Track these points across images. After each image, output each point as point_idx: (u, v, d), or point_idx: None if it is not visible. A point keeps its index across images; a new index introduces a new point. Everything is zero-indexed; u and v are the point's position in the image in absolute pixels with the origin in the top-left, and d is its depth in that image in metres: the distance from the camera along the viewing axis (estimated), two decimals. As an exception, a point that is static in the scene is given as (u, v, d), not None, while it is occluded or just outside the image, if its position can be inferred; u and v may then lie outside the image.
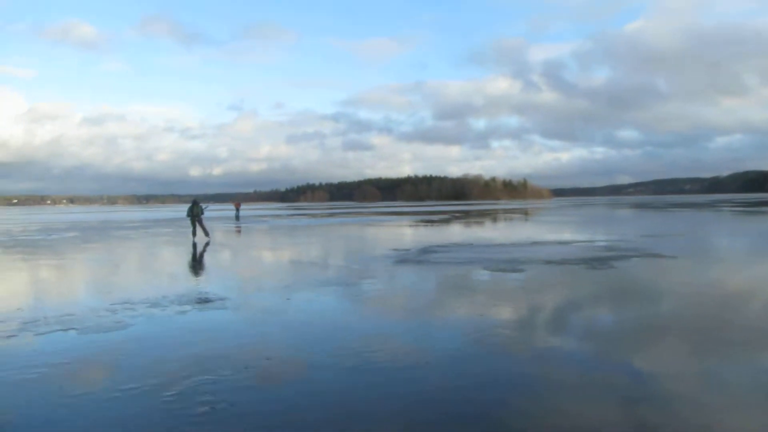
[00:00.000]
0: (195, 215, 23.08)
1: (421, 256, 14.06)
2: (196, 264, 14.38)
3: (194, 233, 22.96)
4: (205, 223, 23.82)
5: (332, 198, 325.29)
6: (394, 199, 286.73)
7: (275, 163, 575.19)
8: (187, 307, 8.03)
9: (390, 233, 25.06)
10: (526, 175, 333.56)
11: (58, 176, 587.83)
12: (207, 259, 15.57)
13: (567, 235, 21.69)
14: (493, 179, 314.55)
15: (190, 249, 18.10)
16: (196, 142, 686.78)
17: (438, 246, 16.96)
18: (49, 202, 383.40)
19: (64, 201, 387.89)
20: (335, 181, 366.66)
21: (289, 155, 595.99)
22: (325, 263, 13.83)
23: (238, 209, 55.02)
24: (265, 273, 12.62)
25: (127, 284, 10.99)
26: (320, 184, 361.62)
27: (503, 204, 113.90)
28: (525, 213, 52.38)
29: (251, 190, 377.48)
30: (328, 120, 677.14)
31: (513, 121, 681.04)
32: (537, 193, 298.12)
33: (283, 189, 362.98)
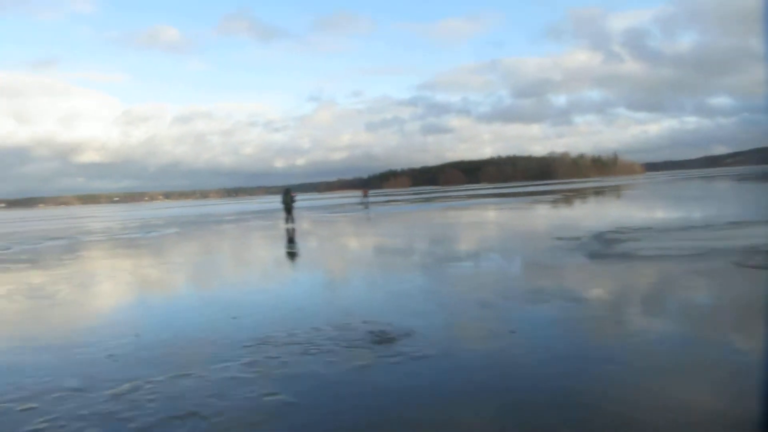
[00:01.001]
0: (286, 203, 24.20)
1: (610, 247, 11.40)
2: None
3: (286, 220, 23.79)
4: (294, 212, 24.68)
5: (414, 183, 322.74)
6: (477, 181, 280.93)
7: (356, 151, 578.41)
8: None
9: (527, 217, 22.50)
10: (612, 151, 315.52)
11: (153, 174, 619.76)
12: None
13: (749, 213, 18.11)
14: (581, 156, 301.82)
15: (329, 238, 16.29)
16: (279, 135, 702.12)
17: (608, 231, 14.19)
18: (146, 198, 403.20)
19: (160, 197, 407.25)
20: (417, 165, 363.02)
21: (370, 142, 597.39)
22: (508, 260, 11.52)
23: (366, 196, 52.91)
24: (471, 277, 9.97)
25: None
26: (402, 170, 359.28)
27: (600, 181, 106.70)
28: (639, 189, 47.84)
29: (334, 179, 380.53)
30: (406, 105, 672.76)
31: (595, 94, 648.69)
32: (628, 169, 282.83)
33: (365, 176, 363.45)
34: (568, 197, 38.14)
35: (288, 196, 24.53)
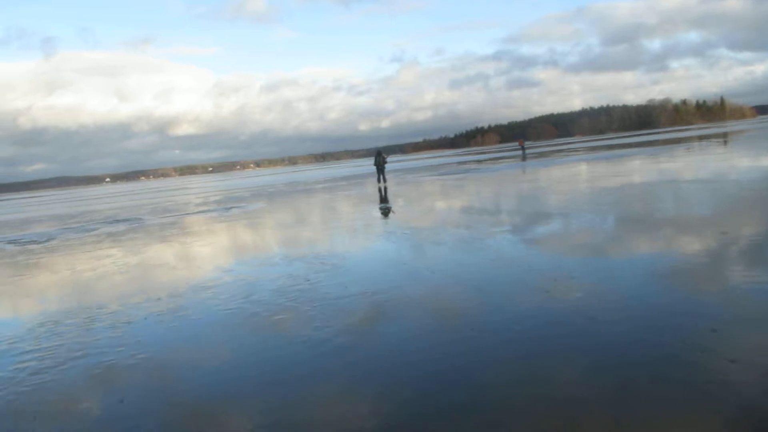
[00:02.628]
0: (378, 164, 25.92)
1: None
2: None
3: (378, 179, 25.75)
4: (386, 172, 26.69)
5: (503, 140, 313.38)
6: (569, 134, 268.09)
7: (440, 110, 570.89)
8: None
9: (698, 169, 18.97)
10: (714, 95, 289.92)
11: (244, 143, 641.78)
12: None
13: None
14: (684, 102, 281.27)
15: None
16: (363, 98, 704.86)
17: None
18: (238, 167, 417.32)
19: (251, 165, 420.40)
20: (503, 122, 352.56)
21: (453, 100, 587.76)
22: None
23: (522, 147, 56.09)
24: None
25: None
26: (489, 127, 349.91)
27: (715, 128, 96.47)
28: None
29: (420, 139, 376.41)
30: (490, 60, 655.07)
31: (693, 36, 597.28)
32: (737, 113, 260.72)
33: (452, 135, 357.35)
34: (712, 144, 33.51)
35: (380, 157, 26.12)
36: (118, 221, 18.42)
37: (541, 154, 45.93)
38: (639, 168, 20.51)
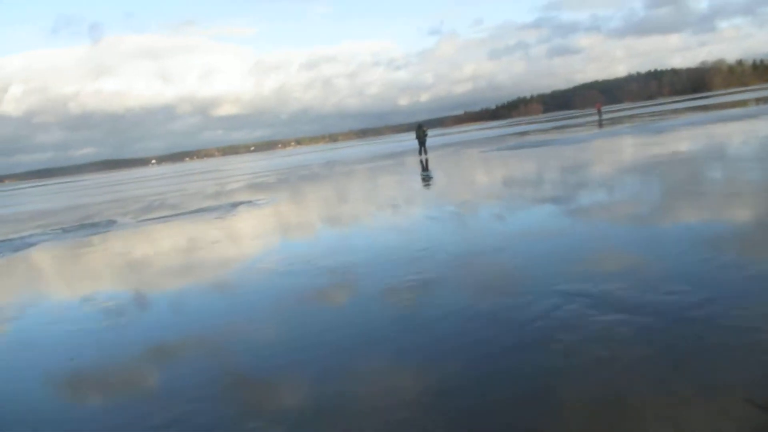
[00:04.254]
0: (419, 137, 26.36)
1: None
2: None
3: (420, 152, 26.28)
4: (428, 144, 27.11)
5: (547, 110, 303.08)
6: (617, 101, 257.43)
7: (480, 82, 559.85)
8: None
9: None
10: (766, 55, 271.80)
11: (285, 121, 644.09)
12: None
13: None
14: (740, 62, 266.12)
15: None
16: (402, 72, 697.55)
17: None
18: (279, 145, 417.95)
19: (293, 143, 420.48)
20: (546, 91, 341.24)
21: (493, 71, 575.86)
22: None
23: (600, 110, 55.86)
24: None
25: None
26: (532, 96, 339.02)
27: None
28: None
29: (461, 112, 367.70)
30: (530, 28, 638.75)
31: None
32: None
33: (493, 107, 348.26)
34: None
35: (421, 130, 26.47)
36: (84, 226, 15.49)
37: (620, 120, 41.88)
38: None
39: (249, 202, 15.63)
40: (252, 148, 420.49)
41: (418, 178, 16.99)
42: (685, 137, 18.78)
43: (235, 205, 15.17)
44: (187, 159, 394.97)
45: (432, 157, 25.18)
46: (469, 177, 16.15)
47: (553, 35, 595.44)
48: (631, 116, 46.50)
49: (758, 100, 42.50)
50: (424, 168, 20.02)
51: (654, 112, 49.37)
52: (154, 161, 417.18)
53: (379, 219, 10.13)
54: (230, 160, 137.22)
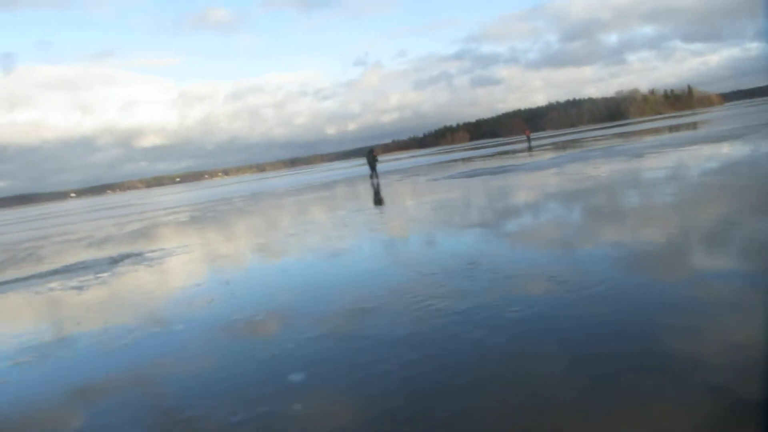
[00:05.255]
0: (370, 162, 27.04)
1: None
2: None
3: (371, 176, 27.04)
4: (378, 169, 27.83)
5: (473, 137, 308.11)
6: (540, 129, 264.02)
7: (406, 111, 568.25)
8: None
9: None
10: (671, 86, 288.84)
11: (211, 151, 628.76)
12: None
13: None
14: (653, 92, 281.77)
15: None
16: (329, 102, 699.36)
17: None
18: (206, 176, 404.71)
19: (220, 173, 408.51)
20: (470, 120, 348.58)
21: (419, 101, 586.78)
22: None
23: (529, 137, 56.90)
24: None
25: None
26: (458, 125, 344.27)
27: (691, 116, 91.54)
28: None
29: (389, 140, 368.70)
30: (453, 60, 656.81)
31: (648, 30, 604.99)
32: (706, 101, 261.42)
33: (420, 135, 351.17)
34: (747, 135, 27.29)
35: (371, 155, 27.30)
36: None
37: (556, 145, 39.94)
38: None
39: (138, 255, 11.46)
40: (177, 179, 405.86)
41: (371, 213, 13.34)
42: (619, 162, 16.04)
43: (116, 261, 10.96)
44: (109, 192, 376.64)
45: (385, 185, 22.42)
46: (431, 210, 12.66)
47: (474, 66, 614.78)
48: (564, 142, 44.97)
49: (694, 124, 41.75)
50: (377, 195, 18.68)
51: (580, 138, 48.69)
52: (73, 194, 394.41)
53: (331, 283, 6.40)
54: (152, 193, 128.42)
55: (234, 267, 8.89)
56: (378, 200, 16.64)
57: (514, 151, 41.49)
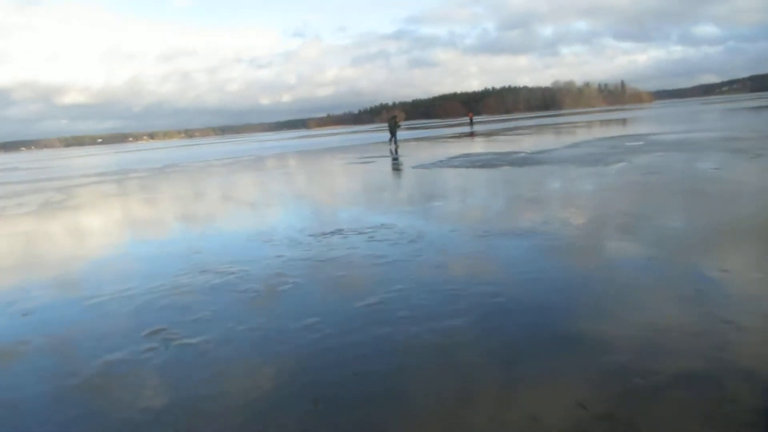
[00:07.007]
0: (391, 128, 26.55)
1: None
2: None
3: (390, 141, 26.54)
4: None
5: (409, 117, 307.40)
6: (477, 113, 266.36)
7: (342, 87, 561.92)
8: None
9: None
10: (600, 81, 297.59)
11: (138, 114, 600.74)
12: None
13: None
14: (587, 85, 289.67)
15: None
16: (265, 71, 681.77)
17: None
18: (131, 139, 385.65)
19: (145, 137, 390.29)
20: (406, 99, 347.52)
21: (355, 77, 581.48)
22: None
23: (471, 119, 59.17)
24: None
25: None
26: (394, 103, 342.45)
27: (626, 110, 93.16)
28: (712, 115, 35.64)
29: (324, 114, 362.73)
30: (391, 39, 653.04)
31: (582, 25, 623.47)
32: (636, 98, 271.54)
33: (356, 111, 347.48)
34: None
35: (393, 120, 26.85)
36: None
37: (496, 131, 37.99)
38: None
39: None
40: (99, 141, 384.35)
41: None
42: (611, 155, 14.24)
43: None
44: (23, 149, 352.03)
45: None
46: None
47: (412, 47, 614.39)
48: (503, 129, 43.02)
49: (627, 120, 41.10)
50: (394, 158, 18.58)
51: (522, 126, 47.13)
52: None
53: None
54: (69, 153, 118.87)
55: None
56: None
57: (461, 135, 39.45)
